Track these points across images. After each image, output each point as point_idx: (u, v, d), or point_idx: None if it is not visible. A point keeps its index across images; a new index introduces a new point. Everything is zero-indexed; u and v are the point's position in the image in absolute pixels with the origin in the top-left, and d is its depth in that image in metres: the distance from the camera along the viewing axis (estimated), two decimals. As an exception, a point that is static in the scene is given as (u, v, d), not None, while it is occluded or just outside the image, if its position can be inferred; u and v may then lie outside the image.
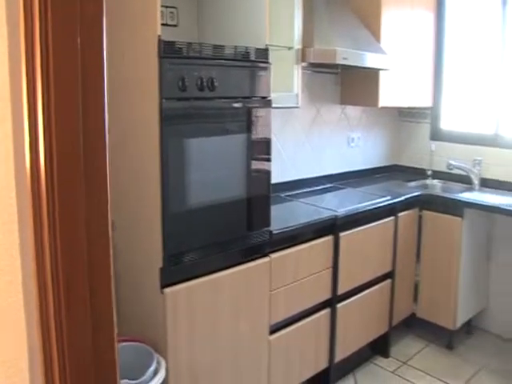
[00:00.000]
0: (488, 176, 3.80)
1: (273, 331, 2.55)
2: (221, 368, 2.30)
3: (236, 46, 2.22)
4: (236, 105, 2.26)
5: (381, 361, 3.37)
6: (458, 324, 3.48)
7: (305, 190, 3.43)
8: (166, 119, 1.96)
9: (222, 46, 2.16)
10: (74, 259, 0.77)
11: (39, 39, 0.73)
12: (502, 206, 3.31)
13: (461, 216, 3.37)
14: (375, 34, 3.42)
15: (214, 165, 2.20)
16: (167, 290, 2.05)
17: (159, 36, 1.93)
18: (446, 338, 3.55)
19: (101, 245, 0.80)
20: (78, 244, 0.78)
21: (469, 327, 3.75)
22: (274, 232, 2.48)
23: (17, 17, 0.74)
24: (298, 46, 2.89)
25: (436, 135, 4.15)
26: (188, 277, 2.13)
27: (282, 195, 3.22)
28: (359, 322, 3.11)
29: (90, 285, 0.79)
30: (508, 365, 3.37)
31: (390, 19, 3.52)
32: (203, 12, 2.55)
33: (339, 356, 2.98)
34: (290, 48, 2.86)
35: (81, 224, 0.77)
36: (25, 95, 0.75)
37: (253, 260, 2.40)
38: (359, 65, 3.13)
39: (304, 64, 3.04)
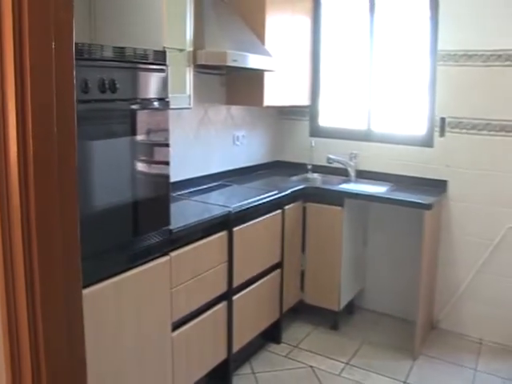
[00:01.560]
0: (363, 168, 4.15)
1: (175, 328, 2.60)
2: (126, 368, 2.31)
3: (135, 48, 2.24)
4: (135, 106, 2.28)
5: (274, 347, 3.56)
6: (342, 305, 3.79)
7: (194, 189, 3.49)
8: None
9: (121, 48, 2.16)
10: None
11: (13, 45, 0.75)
12: (376, 195, 3.67)
13: (341, 205, 3.65)
14: (260, 36, 3.58)
15: (114, 167, 2.20)
16: None
17: None
18: (331, 320, 3.84)
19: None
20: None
21: (350, 307, 4.08)
22: (174, 231, 2.53)
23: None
24: (189, 48, 2.95)
25: (315, 132, 4.43)
26: (90, 282, 2.10)
27: (174, 195, 3.26)
28: (253, 312, 3.26)
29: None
30: (384, 336, 3.77)
31: (273, 23, 3.69)
32: (96, 10, 2.50)
33: (236, 346, 3.11)
34: (181, 50, 2.90)
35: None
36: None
37: (153, 259, 2.43)
38: (247, 66, 3.26)
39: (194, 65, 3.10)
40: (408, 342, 3.60)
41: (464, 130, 3.75)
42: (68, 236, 0.90)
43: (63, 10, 0.84)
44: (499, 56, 3.55)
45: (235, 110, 4.02)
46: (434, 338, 3.78)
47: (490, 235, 3.69)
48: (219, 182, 3.77)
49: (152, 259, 2.42)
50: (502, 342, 3.67)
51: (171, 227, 2.53)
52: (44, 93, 0.82)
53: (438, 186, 3.82)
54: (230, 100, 3.86)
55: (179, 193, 3.34)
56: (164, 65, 2.42)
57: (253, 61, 3.30)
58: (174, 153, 3.32)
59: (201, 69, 3.39)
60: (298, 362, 3.39)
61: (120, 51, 2.17)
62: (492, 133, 3.64)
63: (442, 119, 3.81)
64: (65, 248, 0.90)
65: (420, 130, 3.97)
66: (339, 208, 3.66)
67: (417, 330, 3.48)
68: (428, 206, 3.40)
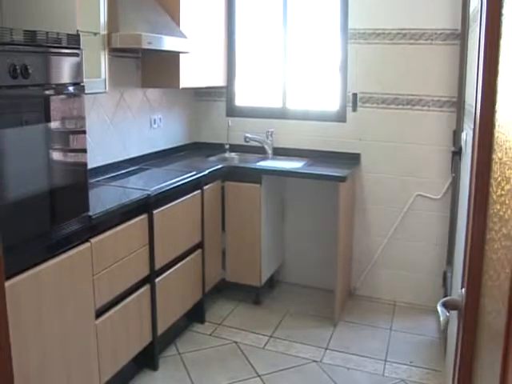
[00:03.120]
0: (280, 145, 4.25)
1: (98, 314, 2.57)
2: (51, 358, 2.27)
3: (48, 32, 2.16)
4: (50, 92, 2.21)
5: (198, 327, 3.61)
6: (263, 281, 3.89)
7: (113, 174, 3.44)
8: None
9: (33, 32, 2.08)
10: None
11: None
12: (294, 170, 3.79)
13: (259, 183, 3.73)
14: (175, 18, 3.55)
15: (26, 156, 2.13)
16: None
17: None
18: (253, 296, 3.94)
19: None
20: None
21: (271, 282, 4.19)
22: (93, 217, 2.50)
23: None
24: (104, 31, 2.89)
25: (231, 112, 4.46)
26: (10, 274, 2.03)
27: (92, 181, 3.19)
28: (176, 293, 3.28)
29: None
30: (305, 307, 3.93)
31: (187, 5, 3.67)
32: None
33: (161, 328, 3.12)
34: (96, 33, 2.83)
35: None
36: None
37: (73, 247, 2.38)
38: (163, 48, 3.24)
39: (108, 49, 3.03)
40: (328, 311, 3.77)
41: (374, 105, 3.92)
42: None
43: None
44: (404, 35, 3.73)
45: (151, 92, 3.98)
46: (352, 304, 3.98)
47: (400, 203, 3.92)
48: (138, 166, 3.73)
49: (72, 247, 2.38)
50: (413, 302, 3.93)
51: (90, 213, 2.50)
52: None
53: (352, 159, 3.99)
54: (146, 83, 3.81)
55: (97, 179, 3.28)
56: (78, 49, 2.35)
57: (168, 43, 3.27)
58: (91, 138, 3.27)
59: (116, 52, 3.33)
60: (223, 339, 3.46)
61: (31, 35, 2.09)
62: (400, 107, 3.84)
63: (354, 95, 3.96)
64: None
65: (333, 105, 4.11)
66: (257, 185, 3.73)
67: (336, 298, 3.65)
68: (342, 178, 3.54)
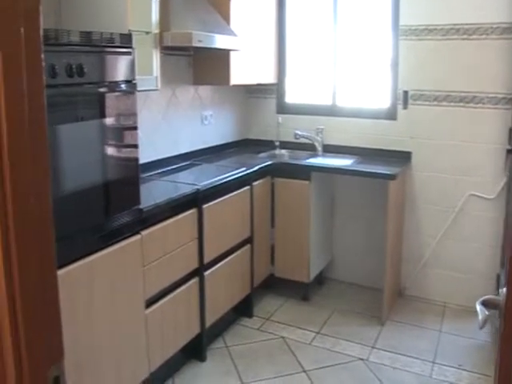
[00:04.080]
0: (329, 142, 4.23)
1: (148, 305, 2.66)
2: (101, 346, 2.37)
3: (102, 32, 2.26)
4: (104, 90, 2.31)
5: (246, 321, 3.66)
6: (312, 277, 3.90)
7: (164, 169, 3.53)
8: None
9: (88, 33, 2.19)
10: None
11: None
12: (344, 168, 3.77)
13: (308, 180, 3.74)
14: (226, 16, 3.61)
15: (83, 150, 2.24)
16: None
17: None
18: (301, 292, 3.95)
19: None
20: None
21: (320, 278, 4.19)
22: (144, 210, 2.58)
23: None
24: (155, 30, 2.97)
25: (282, 109, 4.48)
26: (63, 263, 2.14)
27: (144, 176, 3.29)
28: (225, 287, 3.34)
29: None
30: (353, 305, 3.91)
31: (238, 3, 3.72)
32: None
33: (209, 321, 3.19)
34: (148, 32, 2.91)
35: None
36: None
37: (125, 239, 2.47)
38: (213, 46, 3.30)
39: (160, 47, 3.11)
40: (376, 310, 3.74)
41: (426, 102, 3.86)
42: (42, 220, 0.95)
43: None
44: (457, 30, 3.65)
45: (203, 89, 4.05)
46: (401, 304, 3.93)
47: (452, 203, 3.83)
48: (188, 162, 3.81)
49: (123, 238, 2.47)
50: (464, 304, 3.83)
51: (141, 207, 2.58)
52: (15, 79, 0.86)
53: (403, 158, 3.94)
54: (198, 80, 3.88)
55: (149, 173, 3.37)
56: (130, 47, 2.44)
57: (218, 41, 3.33)
58: (143, 134, 3.35)
59: (168, 50, 3.41)
60: (270, 333, 3.50)
61: (87, 36, 2.19)
62: (452, 104, 3.75)
63: (405, 92, 3.91)
64: (40, 231, 0.95)
65: (384, 103, 4.07)
66: (306, 182, 3.74)
67: (384, 297, 3.62)
68: (392, 176, 3.50)
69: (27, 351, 0.90)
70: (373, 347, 3.33)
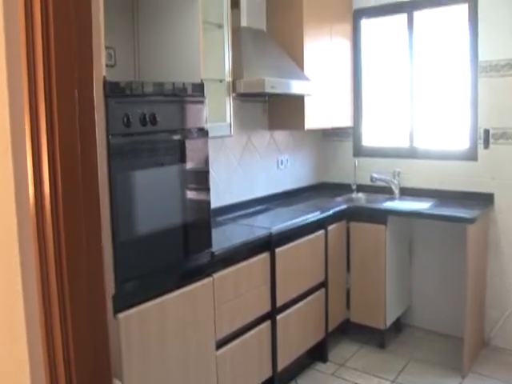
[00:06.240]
0: (407, 185, 4.18)
1: (219, 346, 2.70)
2: (172, 384, 2.45)
3: (174, 83, 2.40)
4: (176, 137, 2.44)
5: (320, 366, 3.61)
6: (388, 323, 3.80)
7: (239, 213, 3.63)
8: (113, 154, 2.10)
9: (161, 83, 2.34)
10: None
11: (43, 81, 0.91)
12: (420, 211, 3.69)
13: (384, 224, 3.69)
14: (299, 62, 3.72)
15: (157, 194, 2.36)
16: (120, 316, 2.15)
17: (104, 77, 2.06)
18: (378, 338, 3.84)
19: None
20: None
21: (397, 325, 4.07)
22: (216, 253, 2.67)
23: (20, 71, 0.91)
24: (228, 78, 3.10)
25: (358, 152, 4.49)
26: (138, 301, 2.25)
27: (219, 219, 3.41)
28: (298, 330, 3.33)
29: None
30: (432, 353, 3.74)
31: (311, 49, 3.83)
32: (140, 51, 2.69)
33: (281, 365, 3.18)
34: (221, 81, 3.06)
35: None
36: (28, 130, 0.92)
37: (197, 280, 2.56)
38: (286, 92, 3.39)
39: (234, 94, 3.24)
40: (456, 360, 3.56)
41: (509, 141, 3.72)
42: (92, 251, 1.03)
43: (85, 67, 0.99)
44: (541, 65, 3.52)
45: (278, 134, 4.15)
46: (485, 355, 3.72)
47: (540, 248, 3.63)
48: (264, 206, 3.89)
49: (196, 280, 2.55)
50: (556, 359, 3.57)
51: (213, 250, 2.67)
52: (69, 132, 0.97)
53: (484, 200, 3.80)
54: (273, 125, 3.99)
55: (225, 217, 3.48)
56: (202, 96, 2.57)
57: (291, 86, 3.43)
58: (219, 178, 3.49)
59: (242, 97, 3.54)
60: (345, 380, 3.42)
61: (160, 86, 2.34)
62: (538, 143, 3.60)
63: (486, 131, 3.80)
64: (90, 262, 1.03)
65: (463, 143, 3.97)
66: (382, 226, 3.69)
67: (465, 346, 3.45)
68: (471, 220, 3.38)
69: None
70: (453, 399, 3.18)
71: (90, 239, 1.01)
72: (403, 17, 4.17)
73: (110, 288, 2.14)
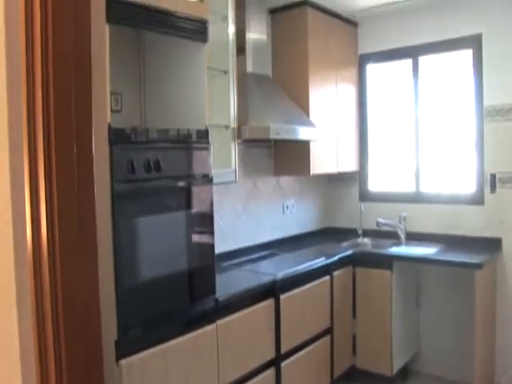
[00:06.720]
0: (413, 229, 4.17)
1: (222, 393, 2.70)
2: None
3: (179, 129, 2.43)
4: (180, 183, 2.47)
5: (325, 412, 3.55)
6: (395, 370, 3.73)
7: (245, 259, 3.62)
8: (117, 200, 2.11)
9: (166, 130, 2.37)
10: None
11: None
12: (426, 257, 3.68)
13: (390, 269, 3.67)
14: (304, 108, 3.78)
15: (161, 240, 2.37)
16: (122, 362, 2.13)
17: (109, 123, 2.09)
18: (385, 386, 3.79)
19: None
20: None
21: (405, 371, 3.99)
22: (220, 299, 2.66)
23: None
24: (234, 124, 3.14)
25: (364, 196, 4.52)
26: (141, 347, 2.23)
27: (224, 264, 3.40)
28: (303, 378, 3.28)
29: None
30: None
31: (317, 94, 3.90)
32: (146, 96, 2.73)
33: (287, 412, 3.14)
34: (227, 127, 3.10)
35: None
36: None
37: (200, 327, 2.53)
38: (291, 138, 3.44)
39: (240, 140, 3.28)
40: (467, 408, 3.49)
41: (517, 185, 3.73)
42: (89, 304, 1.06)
43: (84, 126, 1.04)
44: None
45: (284, 179, 4.18)
46: (496, 403, 3.64)
47: (549, 294, 3.59)
48: (268, 251, 3.87)
49: (199, 327, 2.53)
50: None
51: (217, 296, 2.66)
52: (67, 196, 1.01)
53: (492, 244, 3.79)
54: (278, 171, 4.02)
55: (229, 262, 3.47)
56: (207, 143, 2.60)
57: (296, 133, 3.47)
58: (224, 224, 3.51)
59: (249, 142, 3.59)
60: (351, 428, 3.36)
61: (164, 133, 2.38)
62: (546, 187, 3.61)
63: (492, 175, 3.81)
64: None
65: (469, 187, 3.98)
66: (388, 271, 3.68)
67: (474, 394, 3.38)
68: (478, 266, 3.36)
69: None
70: None
71: (87, 294, 1.04)
72: (408, 62, 4.26)
73: (112, 334, 2.15)
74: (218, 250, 3.08)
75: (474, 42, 3.87)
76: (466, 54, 3.97)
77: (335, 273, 3.63)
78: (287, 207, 4.20)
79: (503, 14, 3.71)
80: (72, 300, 1.02)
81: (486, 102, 3.82)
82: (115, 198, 2.12)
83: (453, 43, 3.99)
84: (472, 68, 3.93)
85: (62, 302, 0.99)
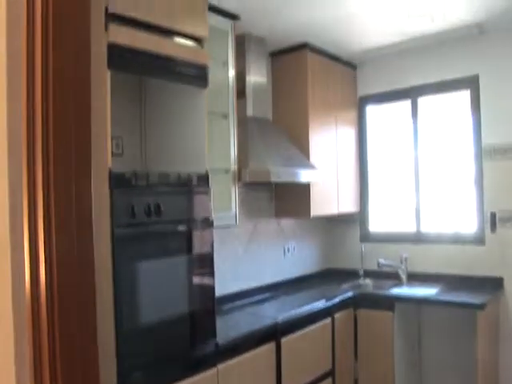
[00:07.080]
0: (414, 270, 4.17)
1: None
2: None
3: (179, 173, 2.46)
4: (181, 227, 2.48)
5: None
6: (397, 413, 3.68)
7: (246, 301, 3.62)
8: (118, 244, 2.12)
9: (166, 174, 2.40)
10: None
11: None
12: (428, 298, 3.66)
13: (392, 310, 3.65)
14: (304, 150, 3.83)
15: (161, 284, 2.37)
16: None
17: (110, 169, 2.11)
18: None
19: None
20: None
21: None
22: (220, 343, 2.64)
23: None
24: (234, 167, 3.17)
25: (365, 237, 4.53)
26: None
27: (225, 307, 3.39)
28: (306, 421, 3.25)
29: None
30: None
31: (317, 136, 3.96)
32: (147, 140, 2.76)
33: None
34: (227, 171, 3.13)
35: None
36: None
37: (201, 371, 2.51)
38: (291, 181, 3.47)
39: (240, 183, 3.31)
40: None
41: (517, 223, 3.74)
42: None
43: (83, 170, 1.07)
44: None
45: (285, 221, 4.20)
46: None
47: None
48: (269, 294, 3.87)
49: (199, 371, 2.51)
50: None
51: (218, 340, 2.64)
52: (66, 238, 1.04)
53: (494, 284, 3.77)
54: (279, 213, 4.04)
55: (230, 305, 3.47)
56: (207, 187, 2.62)
57: (296, 175, 3.51)
58: (225, 267, 3.51)
59: (250, 185, 3.61)
60: None
61: (165, 177, 2.40)
62: (547, 225, 3.63)
63: (493, 214, 3.82)
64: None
65: (470, 227, 3.99)
66: (390, 313, 3.66)
67: None
68: (480, 306, 3.34)
69: None
70: None
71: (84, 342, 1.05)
72: (407, 103, 4.34)
73: (112, 379, 2.13)
74: (218, 292, 3.08)
75: (472, 83, 3.96)
76: (464, 95, 4.05)
77: (336, 315, 3.61)
78: (288, 250, 4.21)
79: (498, 55, 3.81)
80: (70, 350, 1.03)
81: (485, 141, 3.87)
82: (116, 242, 2.13)
83: (450, 84, 4.08)
84: (470, 108, 4.00)
85: (59, 353, 1.01)
